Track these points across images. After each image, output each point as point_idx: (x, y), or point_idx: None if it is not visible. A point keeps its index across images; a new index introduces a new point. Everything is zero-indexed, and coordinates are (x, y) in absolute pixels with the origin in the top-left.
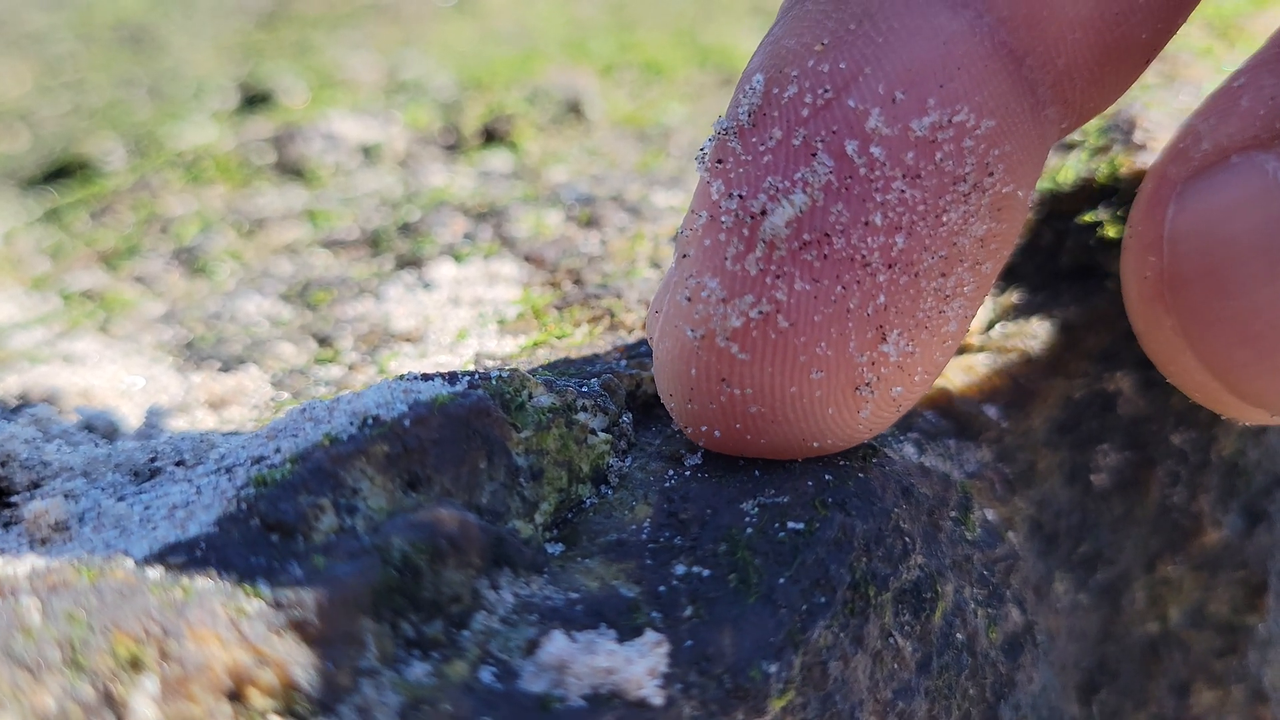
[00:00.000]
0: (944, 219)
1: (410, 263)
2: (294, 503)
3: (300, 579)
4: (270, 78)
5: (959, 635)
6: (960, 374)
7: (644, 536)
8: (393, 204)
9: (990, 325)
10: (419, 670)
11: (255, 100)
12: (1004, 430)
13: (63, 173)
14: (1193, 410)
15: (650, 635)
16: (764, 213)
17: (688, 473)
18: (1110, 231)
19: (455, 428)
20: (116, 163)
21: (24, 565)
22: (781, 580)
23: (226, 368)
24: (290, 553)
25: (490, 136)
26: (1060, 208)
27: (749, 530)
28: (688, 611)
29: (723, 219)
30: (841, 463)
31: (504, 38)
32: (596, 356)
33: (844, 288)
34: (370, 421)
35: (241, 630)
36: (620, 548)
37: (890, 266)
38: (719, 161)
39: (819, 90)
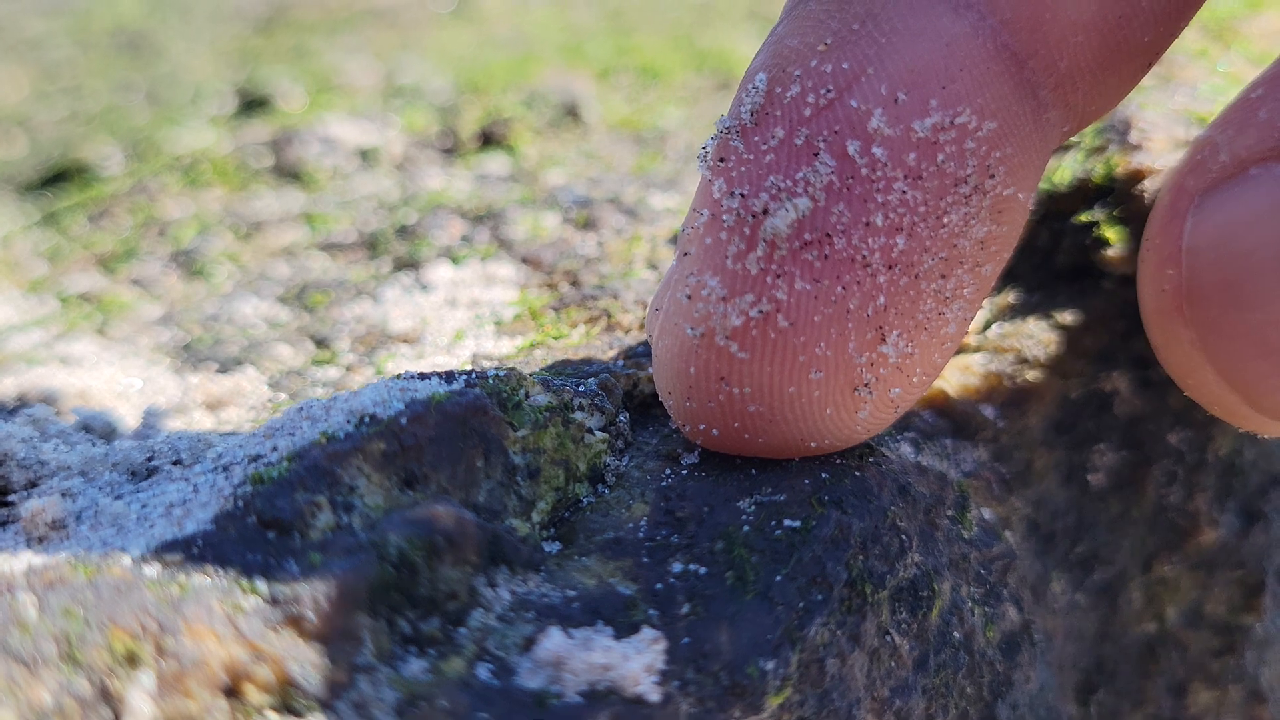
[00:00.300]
0: (945, 221)
1: (407, 265)
2: (291, 500)
3: (297, 576)
4: (268, 82)
5: (956, 634)
6: (957, 374)
7: (641, 534)
8: (390, 207)
9: (987, 325)
10: (416, 667)
11: (253, 105)
12: (1000, 430)
13: (60, 177)
14: (1189, 410)
15: (647, 632)
16: (765, 212)
17: (685, 471)
18: (1107, 231)
19: (452, 426)
20: (114, 167)
21: (21, 562)
22: (778, 578)
23: (224, 369)
24: (287, 550)
25: (487, 140)
26: (1057, 207)
27: (746, 528)
28: (685, 609)
29: (724, 217)
30: (838, 461)
31: (501, 42)
32: (593, 357)
33: (844, 288)
34: (367, 420)
35: (238, 626)
36: (617, 546)
37: (890, 267)
38: (721, 160)
39: (822, 90)
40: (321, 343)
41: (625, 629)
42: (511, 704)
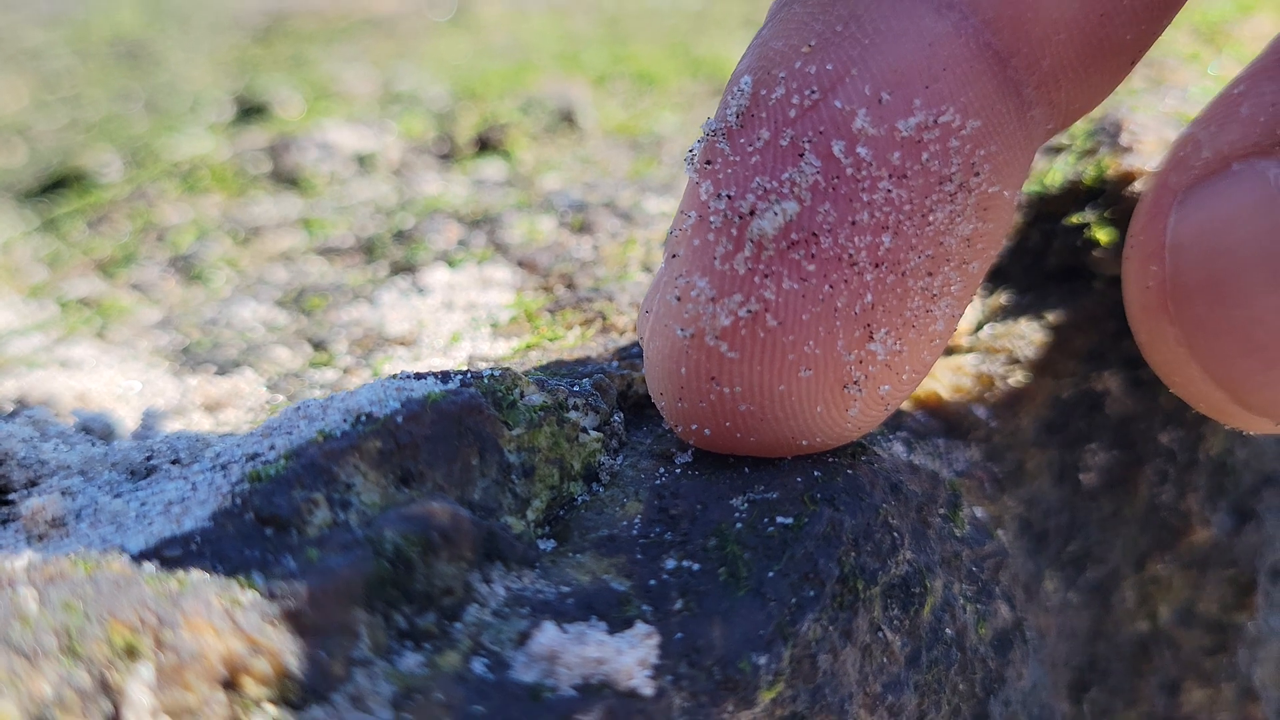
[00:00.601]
0: (930, 219)
1: (404, 269)
2: (288, 497)
3: (294, 571)
4: (266, 90)
5: (948, 630)
6: (949, 374)
7: (635, 532)
8: (387, 212)
9: (979, 326)
10: (411, 661)
11: (251, 112)
12: (993, 430)
13: (60, 184)
14: (1181, 409)
15: (641, 627)
16: (752, 213)
17: (678, 470)
18: (1097, 233)
19: (447, 424)
20: (113, 174)
21: (21, 559)
22: (771, 574)
23: (222, 372)
24: (284, 546)
25: (484, 145)
26: (1048, 209)
27: (739, 525)
28: (678, 605)
29: (711, 219)
30: (830, 460)
31: (498, 51)
32: (588, 358)
33: (831, 287)
34: (363, 418)
35: (236, 620)
36: (611, 543)
37: (877, 266)
38: (707, 162)
39: (806, 91)
40: (319, 345)
41: (619, 624)
42: (506, 697)
